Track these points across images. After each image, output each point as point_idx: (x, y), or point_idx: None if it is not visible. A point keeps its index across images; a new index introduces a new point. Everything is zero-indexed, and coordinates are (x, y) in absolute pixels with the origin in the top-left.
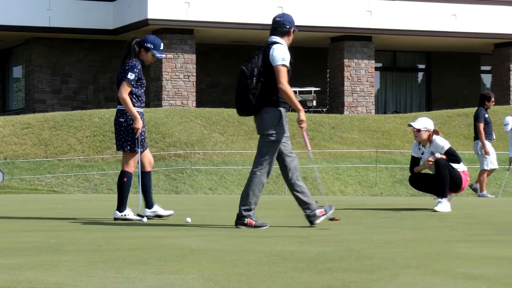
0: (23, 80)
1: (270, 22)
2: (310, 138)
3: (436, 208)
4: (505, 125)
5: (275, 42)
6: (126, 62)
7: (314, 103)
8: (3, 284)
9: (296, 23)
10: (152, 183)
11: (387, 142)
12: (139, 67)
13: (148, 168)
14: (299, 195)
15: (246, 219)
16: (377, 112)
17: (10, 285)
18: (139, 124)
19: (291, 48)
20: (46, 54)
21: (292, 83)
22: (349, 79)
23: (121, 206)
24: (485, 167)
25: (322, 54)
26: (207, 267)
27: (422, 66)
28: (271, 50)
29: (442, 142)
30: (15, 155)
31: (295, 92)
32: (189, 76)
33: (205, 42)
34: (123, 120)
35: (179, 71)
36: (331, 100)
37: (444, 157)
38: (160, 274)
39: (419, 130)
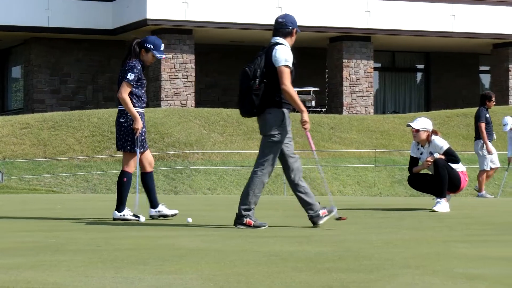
0: (22, 80)
1: (269, 22)
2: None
3: (435, 208)
4: (504, 125)
5: (278, 43)
6: (126, 63)
7: (313, 103)
8: (1, 284)
9: None
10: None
11: (386, 142)
12: (139, 67)
13: (148, 169)
14: (303, 195)
15: (245, 219)
16: (376, 112)
17: (8, 285)
18: (138, 124)
19: (291, 48)
20: (45, 54)
21: (292, 83)
22: (348, 79)
23: (120, 206)
24: (485, 168)
25: (321, 54)
26: (206, 267)
27: (421, 66)
28: (274, 51)
29: (441, 142)
30: (14, 155)
31: None
32: (188, 76)
33: (204, 42)
34: (123, 120)
35: (178, 71)
36: (330, 100)
37: (443, 157)
38: (159, 274)
39: (418, 130)
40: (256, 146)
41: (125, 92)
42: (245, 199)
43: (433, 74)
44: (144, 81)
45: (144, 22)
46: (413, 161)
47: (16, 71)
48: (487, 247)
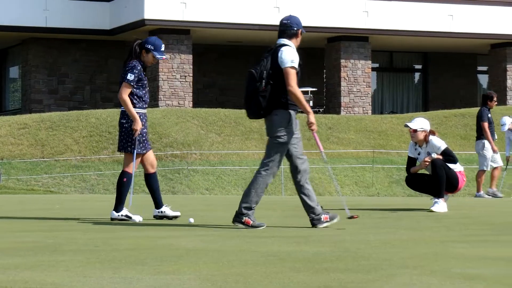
0: (19, 80)
1: (267, 23)
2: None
3: (433, 209)
4: (502, 125)
5: (284, 45)
6: (127, 64)
7: (311, 103)
8: None
9: None
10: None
11: (383, 143)
12: (138, 68)
13: (150, 170)
14: (305, 198)
15: (244, 218)
16: (373, 112)
17: (6, 285)
18: (138, 125)
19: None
20: (42, 54)
21: (298, 84)
22: (346, 80)
23: (118, 206)
24: (484, 168)
25: (319, 55)
26: (204, 268)
27: (418, 67)
28: (280, 52)
29: (439, 143)
30: (11, 156)
31: None
32: (185, 76)
33: (201, 43)
34: (124, 121)
35: (175, 71)
36: (328, 101)
37: (440, 157)
38: (157, 274)
39: (415, 131)
40: (254, 146)
41: (125, 93)
42: (246, 197)
43: (431, 74)
44: (145, 82)
45: (142, 22)
46: (411, 161)
47: (14, 71)
48: (485, 247)
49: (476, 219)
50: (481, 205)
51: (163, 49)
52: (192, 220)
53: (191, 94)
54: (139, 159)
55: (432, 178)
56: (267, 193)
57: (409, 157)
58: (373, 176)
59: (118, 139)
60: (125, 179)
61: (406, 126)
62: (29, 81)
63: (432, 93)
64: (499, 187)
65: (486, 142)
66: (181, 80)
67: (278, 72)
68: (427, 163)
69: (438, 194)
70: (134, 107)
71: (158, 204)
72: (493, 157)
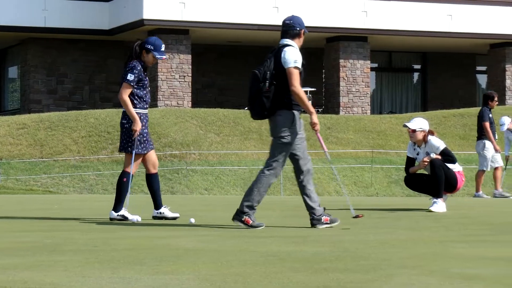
0: (18, 80)
1: (266, 23)
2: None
3: (432, 209)
4: (501, 125)
5: (287, 45)
6: (127, 64)
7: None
8: None
9: None
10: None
11: (382, 143)
12: (138, 68)
13: (152, 170)
14: (307, 198)
15: (244, 216)
16: (372, 112)
17: (5, 285)
18: (137, 126)
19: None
20: (41, 54)
21: (301, 84)
22: (345, 80)
23: (117, 206)
24: (484, 168)
25: (318, 55)
26: (203, 268)
27: (417, 67)
28: (283, 52)
29: (437, 143)
30: (10, 156)
31: None
32: (184, 76)
33: (200, 43)
34: (125, 121)
35: (174, 71)
36: (327, 101)
37: (439, 157)
38: (156, 274)
39: (414, 131)
40: (253, 146)
41: (125, 93)
42: (249, 195)
43: (429, 74)
44: (146, 82)
45: (141, 22)
46: (410, 162)
47: (13, 71)
48: (484, 247)
49: (475, 219)
50: (480, 205)
51: (163, 49)
52: (193, 220)
53: (190, 94)
54: (139, 159)
55: (431, 178)
56: (266, 193)
57: (408, 157)
58: (372, 176)
59: (120, 139)
60: (124, 179)
61: (405, 126)
62: (28, 81)
63: (431, 93)
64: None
65: (486, 142)
66: (180, 80)
67: (282, 73)
68: (426, 163)
69: (437, 194)
70: (135, 107)
71: (157, 205)
72: (494, 157)
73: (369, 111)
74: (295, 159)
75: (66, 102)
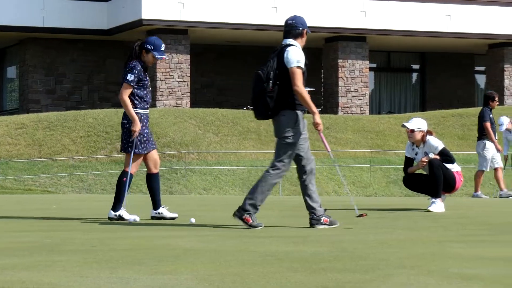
0: (17, 80)
1: (265, 23)
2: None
3: (430, 209)
4: (499, 125)
5: (290, 45)
6: (127, 64)
7: None
8: None
9: None
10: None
11: (381, 143)
12: (138, 68)
13: (153, 170)
14: (307, 198)
15: (245, 214)
16: (371, 112)
17: (3, 285)
18: (136, 126)
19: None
20: (40, 54)
21: (304, 84)
22: (344, 80)
23: (116, 206)
24: (484, 169)
25: (316, 55)
26: (202, 267)
27: (416, 67)
28: (286, 52)
29: (436, 143)
30: (9, 155)
31: None
32: (183, 76)
33: (199, 43)
34: (125, 122)
35: (173, 71)
36: (326, 101)
37: (437, 157)
38: (154, 274)
39: (412, 131)
40: (252, 146)
41: (125, 94)
42: (253, 193)
43: (428, 74)
44: (147, 82)
45: (140, 22)
46: (408, 162)
47: (11, 71)
48: (482, 247)
49: (473, 219)
50: (478, 205)
51: (163, 48)
52: (193, 220)
53: (188, 94)
54: (140, 159)
55: (430, 178)
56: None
57: (406, 157)
58: (370, 176)
59: (121, 139)
60: (124, 179)
61: (404, 126)
62: (26, 81)
63: (429, 93)
64: (495, 187)
65: (487, 142)
66: (178, 80)
67: (285, 72)
68: (424, 163)
69: (435, 194)
70: (135, 107)
71: (156, 205)
72: (494, 158)
73: (367, 111)
74: (298, 159)
75: (65, 102)
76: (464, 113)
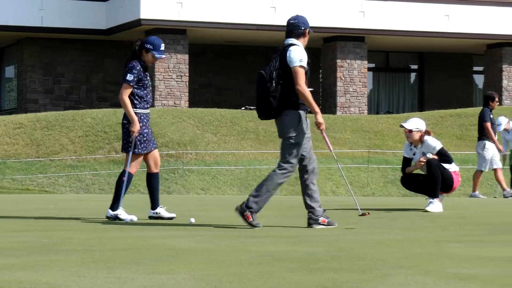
0: (15, 80)
1: (263, 23)
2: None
3: (428, 209)
4: (498, 125)
5: (292, 44)
6: (127, 64)
7: None
8: None
9: None
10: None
11: (379, 143)
12: (138, 68)
13: (153, 169)
14: (307, 198)
15: (247, 211)
16: (369, 112)
17: (1, 285)
18: (135, 127)
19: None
20: (38, 54)
21: (306, 83)
22: (342, 80)
23: (114, 205)
24: (482, 169)
25: (315, 55)
26: (199, 267)
27: (414, 67)
28: (288, 52)
29: (434, 143)
30: (6, 155)
31: None
32: (181, 76)
33: (198, 42)
34: (125, 122)
35: (171, 71)
36: (324, 101)
37: (435, 157)
38: (152, 274)
39: (410, 131)
40: (250, 146)
41: (124, 94)
42: (258, 190)
43: (426, 75)
44: (147, 82)
45: (138, 22)
46: (406, 162)
47: (10, 71)
48: (480, 247)
49: (471, 219)
50: (476, 205)
51: (162, 48)
52: (193, 220)
53: (187, 94)
54: (139, 159)
55: (427, 178)
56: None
57: (404, 157)
58: (368, 176)
59: (122, 139)
60: (123, 178)
61: (402, 126)
62: (24, 81)
63: (428, 93)
64: (492, 187)
65: (487, 142)
66: (177, 80)
67: (287, 72)
68: (422, 163)
69: (433, 194)
70: (135, 107)
71: (154, 204)
72: (493, 159)
73: (366, 111)
74: (300, 158)
75: (63, 101)
76: (462, 113)
